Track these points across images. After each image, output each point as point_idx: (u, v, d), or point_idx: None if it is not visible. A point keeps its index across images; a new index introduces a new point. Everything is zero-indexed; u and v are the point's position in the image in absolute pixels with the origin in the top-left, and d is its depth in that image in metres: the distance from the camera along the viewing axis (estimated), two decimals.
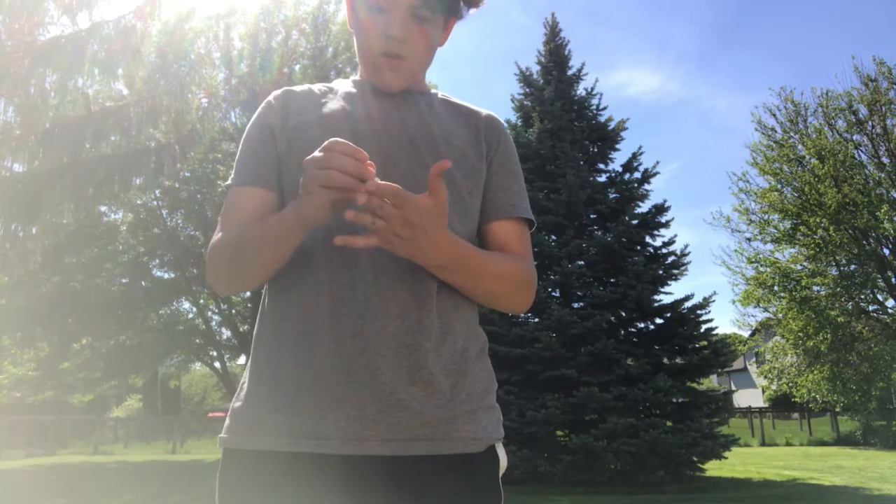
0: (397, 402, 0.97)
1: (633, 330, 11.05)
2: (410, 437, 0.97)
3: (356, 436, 0.96)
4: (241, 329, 19.24)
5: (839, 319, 17.85)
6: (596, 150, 12.47)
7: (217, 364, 21.29)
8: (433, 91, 1.25)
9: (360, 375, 0.97)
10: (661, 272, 10.71)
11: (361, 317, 0.99)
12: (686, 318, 10.58)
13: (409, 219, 0.89)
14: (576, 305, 10.57)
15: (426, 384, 1.00)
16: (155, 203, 18.19)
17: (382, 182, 0.89)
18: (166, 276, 19.72)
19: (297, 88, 1.19)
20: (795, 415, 26.57)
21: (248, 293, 18.75)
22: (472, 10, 1.19)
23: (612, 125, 12.34)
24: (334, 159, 0.88)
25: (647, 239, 11.40)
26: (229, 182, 1.15)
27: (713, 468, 10.56)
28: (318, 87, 1.20)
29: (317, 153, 0.91)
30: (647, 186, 11.86)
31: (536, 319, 10.38)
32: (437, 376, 1.01)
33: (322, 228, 1.00)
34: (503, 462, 1.08)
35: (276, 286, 1.09)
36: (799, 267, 19.10)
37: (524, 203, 1.19)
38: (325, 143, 0.90)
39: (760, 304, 19.67)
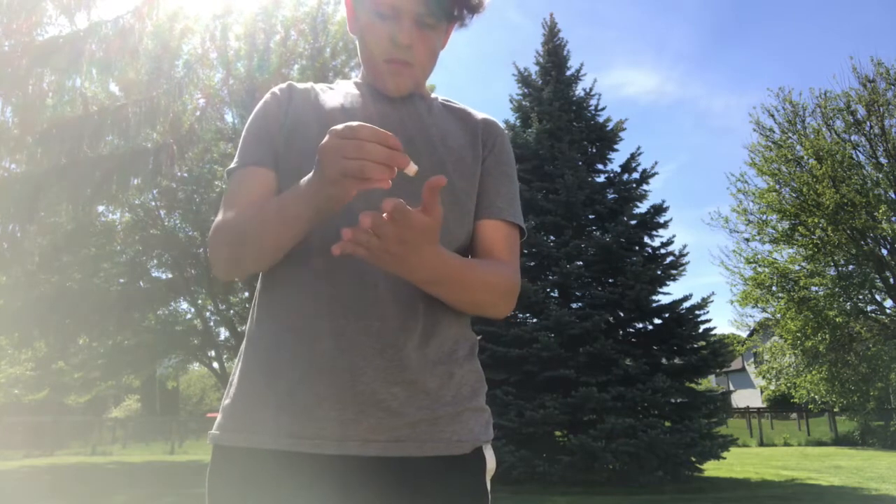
0: (378, 402, 0.97)
1: (631, 330, 11.05)
2: (392, 438, 0.97)
3: (336, 436, 0.96)
4: (239, 329, 19.21)
5: (837, 320, 17.86)
6: (594, 150, 12.46)
7: (215, 364, 21.27)
8: (433, 95, 1.25)
9: (342, 375, 0.97)
10: (659, 272, 10.71)
11: (345, 316, 0.99)
12: (684, 319, 10.59)
13: (404, 236, 0.82)
14: (574, 306, 10.58)
15: (409, 385, 0.99)
16: (153, 203, 18.17)
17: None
18: (164, 276, 19.71)
19: (300, 85, 1.19)
20: (794, 415, 26.59)
21: (246, 293, 18.76)
22: (475, 16, 1.19)
23: (610, 125, 12.33)
24: (368, 150, 0.81)
25: (646, 239, 11.40)
26: (233, 165, 1.13)
27: (711, 468, 10.56)
28: (319, 86, 1.20)
29: (337, 139, 0.83)
30: (645, 187, 11.87)
31: (535, 320, 10.38)
32: (420, 377, 1.00)
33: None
34: (491, 464, 1.07)
35: (266, 284, 1.09)
36: (797, 267, 19.13)
37: (513, 207, 1.17)
38: (349, 127, 0.83)
39: (759, 305, 19.70)
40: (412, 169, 0.84)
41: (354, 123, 0.83)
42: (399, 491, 0.97)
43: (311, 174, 0.92)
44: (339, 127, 0.84)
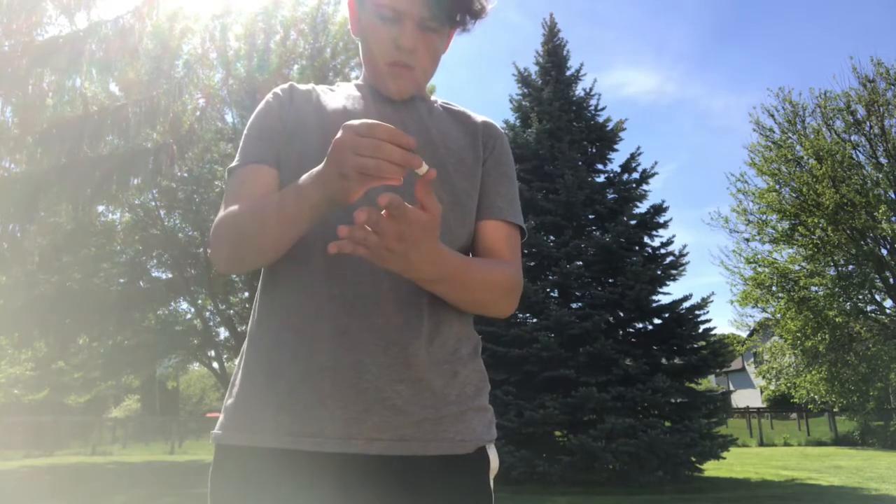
0: (383, 400, 0.97)
1: (631, 330, 11.05)
2: (396, 436, 0.97)
3: (340, 434, 0.96)
4: (238, 329, 19.21)
5: (837, 320, 17.86)
6: (594, 150, 12.46)
7: (215, 364, 21.27)
8: (433, 98, 1.26)
9: (346, 373, 0.97)
10: (659, 272, 10.71)
11: (349, 314, 0.99)
12: (684, 319, 10.59)
13: (403, 233, 0.83)
14: (574, 306, 10.58)
15: (414, 383, 0.99)
16: (153, 203, 18.17)
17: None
18: (164, 276, 19.71)
19: (301, 86, 1.20)
20: (793, 415, 26.60)
21: (246, 293, 18.76)
22: (477, 22, 1.19)
23: (610, 125, 12.33)
24: (384, 150, 0.82)
25: (646, 239, 11.40)
26: (234, 164, 1.13)
27: (711, 468, 10.56)
28: (321, 88, 1.21)
29: (354, 136, 0.84)
30: (645, 187, 11.87)
31: (535, 320, 10.38)
32: (425, 375, 1.01)
33: (317, 223, 0.99)
34: (494, 464, 1.07)
35: (267, 284, 1.09)
36: (797, 267, 19.13)
37: (514, 208, 1.18)
38: (366, 124, 0.84)
39: (759, 305, 19.70)
40: (424, 169, 0.85)
41: (372, 121, 0.84)
42: (401, 490, 0.97)
43: (318, 168, 0.92)
44: (356, 123, 0.85)
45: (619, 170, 12.11)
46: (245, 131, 1.16)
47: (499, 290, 1.08)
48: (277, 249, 1.02)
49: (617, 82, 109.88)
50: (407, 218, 0.82)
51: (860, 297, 18.50)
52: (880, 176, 17.99)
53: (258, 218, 1.00)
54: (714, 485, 9.55)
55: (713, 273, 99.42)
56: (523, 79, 12.81)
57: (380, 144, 0.82)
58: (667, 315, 10.72)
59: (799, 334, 18.34)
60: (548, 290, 10.59)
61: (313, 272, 1.03)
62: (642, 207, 11.68)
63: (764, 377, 21.22)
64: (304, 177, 0.95)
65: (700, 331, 10.60)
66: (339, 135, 0.86)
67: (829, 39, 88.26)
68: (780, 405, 27.47)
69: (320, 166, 0.91)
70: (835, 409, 19.81)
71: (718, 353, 10.46)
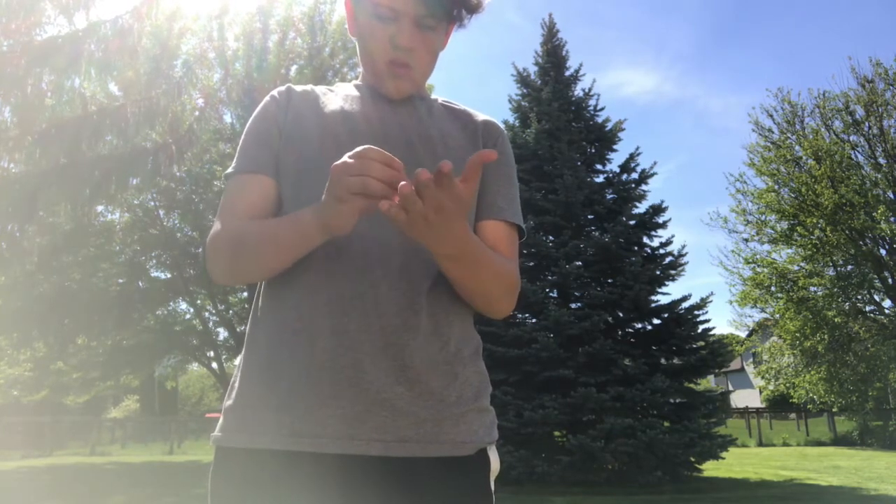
0: (383, 401, 0.97)
1: (630, 330, 11.05)
2: (397, 437, 0.97)
3: (340, 434, 0.96)
4: (238, 329, 19.21)
5: (836, 320, 17.88)
6: (593, 150, 12.46)
7: (214, 365, 21.27)
8: (433, 97, 1.26)
9: (345, 373, 0.97)
10: (658, 272, 10.72)
11: (347, 314, 1.00)
12: (683, 319, 10.59)
13: (443, 204, 0.84)
14: (573, 306, 10.57)
15: (413, 384, 0.99)
16: (152, 203, 18.16)
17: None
18: (163, 276, 19.71)
19: (299, 87, 1.20)
20: (792, 415, 26.61)
21: (245, 293, 18.76)
22: (474, 17, 1.19)
23: (609, 126, 12.32)
24: (370, 167, 0.86)
25: (645, 239, 11.41)
26: (231, 170, 1.13)
27: (710, 468, 10.56)
28: (319, 88, 1.21)
29: (347, 159, 0.87)
30: (644, 187, 11.87)
31: (534, 320, 10.38)
32: (424, 376, 1.00)
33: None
34: (495, 466, 1.07)
35: (267, 285, 1.09)
36: (796, 267, 19.14)
37: (514, 208, 1.18)
38: (357, 149, 0.87)
39: (758, 305, 19.72)
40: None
41: (364, 146, 0.88)
42: (400, 491, 0.97)
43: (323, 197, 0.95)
44: (352, 151, 0.88)
45: (618, 170, 12.12)
46: (243, 136, 1.16)
47: (503, 282, 1.08)
48: (272, 271, 1.04)
49: (616, 82, 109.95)
50: (452, 188, 0.83)
51: (859, 297, 18.52)
52: (879, 176, 18.01)
53: (254, 243, 1.03)
54: (713, 485, 9.56)
55: (712, 273, 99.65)
56: (522, 79, 12.81)
57: (367, 163, 0.86)
58: (666, 315, 10.73)
59: (798, 334, 18.35)
60: (547, 290, 10.59)
61: (312, 272, 1.03)
62: (641, 207, 11.69)
63: (763, 377, 21.23)
64: (302, 210, 0.99)
65: (699, 331, 10.61)
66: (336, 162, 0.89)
67: (828, 40, 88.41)
68: (779, 405, 27.49)
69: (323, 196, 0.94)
70: (834, 410, 19.81)
71: (717, 353, 10.47)
